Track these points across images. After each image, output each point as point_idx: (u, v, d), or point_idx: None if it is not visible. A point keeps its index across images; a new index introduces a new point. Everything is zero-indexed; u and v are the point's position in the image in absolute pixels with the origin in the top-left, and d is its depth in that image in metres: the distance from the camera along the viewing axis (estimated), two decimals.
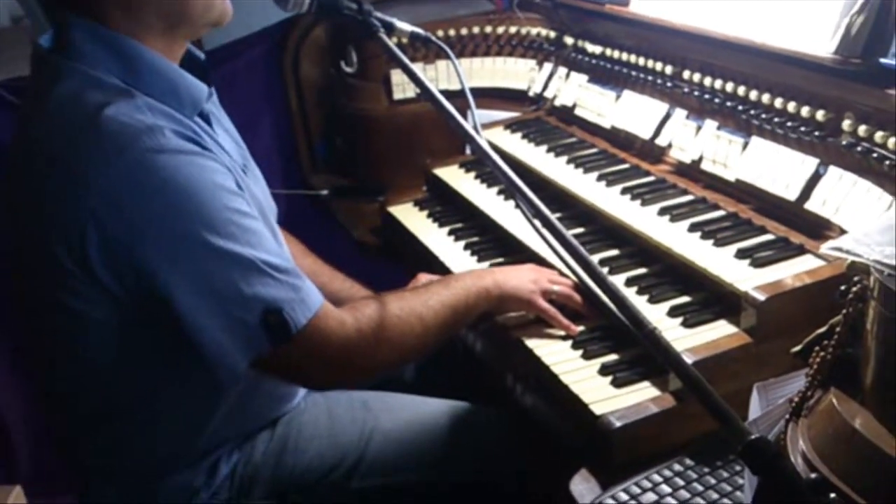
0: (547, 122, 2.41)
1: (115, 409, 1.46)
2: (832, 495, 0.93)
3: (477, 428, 1.70)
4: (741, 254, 1.63)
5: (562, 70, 2.44)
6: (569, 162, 2.14)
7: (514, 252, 1.95)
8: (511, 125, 2.42)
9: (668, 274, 1.74)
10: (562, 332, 1.67)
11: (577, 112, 2.33)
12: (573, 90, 2.37)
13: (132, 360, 1.41)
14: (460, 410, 1.72)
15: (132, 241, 1.27)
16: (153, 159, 1.26)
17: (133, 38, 1.35)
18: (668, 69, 2.07)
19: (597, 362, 1.58)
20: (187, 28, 1.42)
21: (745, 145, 1.83)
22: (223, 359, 1.34)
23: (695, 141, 1.96)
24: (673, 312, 1.62)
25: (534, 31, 2.54)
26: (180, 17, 1.39)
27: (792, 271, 1.55)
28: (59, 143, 1.29)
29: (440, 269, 1.96)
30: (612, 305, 1.12)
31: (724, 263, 1.62)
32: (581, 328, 1.69)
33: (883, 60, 1.57)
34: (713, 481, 1.36)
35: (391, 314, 1.49)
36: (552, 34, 2.50)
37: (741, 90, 1.85)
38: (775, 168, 1.75)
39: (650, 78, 2.12)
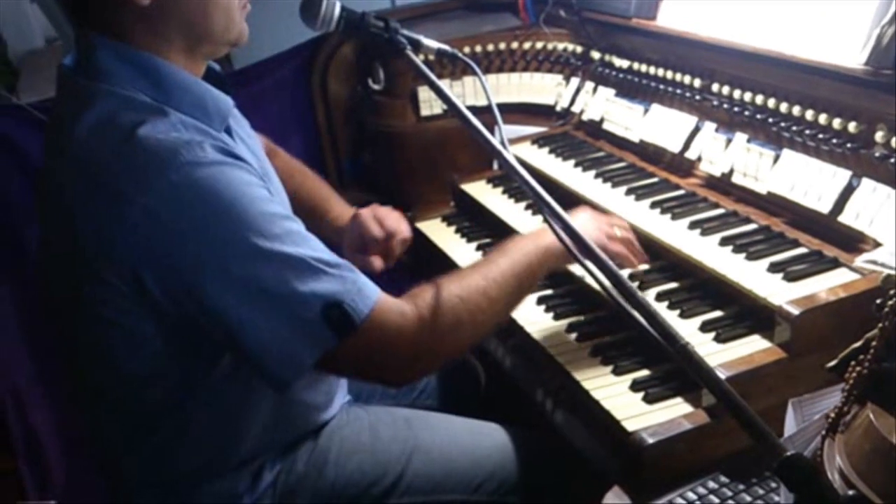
0: (574, 136, 2.41)
1: (151, 417, 1.47)
2: None
3: (517, 449, 1.69)
4: (774, 267, 1.62)
5: (589, 84, 2.44)
6: (597, 176, 2.13)
7: None
8: (538, 140, 2.42)
9: (699, 288, 1.73)
10: (589, 348, 1.67)
11: (605, 126, 2.33)
12: (601, 104, 2.36)
13: (168, 372, 1.42)
14: (502, 432, 1.72)
15: (181, 254, 1.28)
16: (193, 172, 1.27)
17: (157, 56, 1.37)
18: (697, 82, 2.06)
19: (628, 378, 1.57)
20: (208, 46, 1.43)
21: (777, 158, 1.82)
22: (289, 358, 1.33)
23: (725, 154, 1.95)
24: (705, 327, 1.61)
25: (560, 46, 2.55)
26: (202, 34, 1.40)
27: (826, 285, 1.53)
28: (98, 165, 1.30)
29: None
30: (643, 320, 1.11)
31: (756, 277, 1.61)
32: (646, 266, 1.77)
33: None
34: (748, 499, 1.34)
35: (451, 296, 1.44)
36: (579, 49, 2.50)
37: (771, 102, 1.84)
38: (807, 181, 1.73)
39: (678, 91, 2.11)
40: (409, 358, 1.43)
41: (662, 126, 2.13)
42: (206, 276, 1.29)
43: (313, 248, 1.35)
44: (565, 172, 2.20)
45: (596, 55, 2.41)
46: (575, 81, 2.50)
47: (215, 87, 1.45)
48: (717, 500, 1.34)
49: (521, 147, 2.39)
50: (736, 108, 1.93)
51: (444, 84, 1.50)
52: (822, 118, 1.71)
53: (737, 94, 1.93)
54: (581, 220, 1.70)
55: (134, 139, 1.28)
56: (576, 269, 1.72)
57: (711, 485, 1.37)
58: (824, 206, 1.68)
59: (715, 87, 1.99)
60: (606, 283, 1.24)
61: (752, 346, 1.53)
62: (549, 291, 1.89)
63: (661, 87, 2.17)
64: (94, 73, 1.36)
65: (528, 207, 2.16)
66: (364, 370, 1.46)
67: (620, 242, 1.72)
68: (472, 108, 1.46)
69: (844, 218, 1.65)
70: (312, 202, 2.00)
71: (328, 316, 1.31)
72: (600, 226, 1.72)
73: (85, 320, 1.41)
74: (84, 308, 1.39)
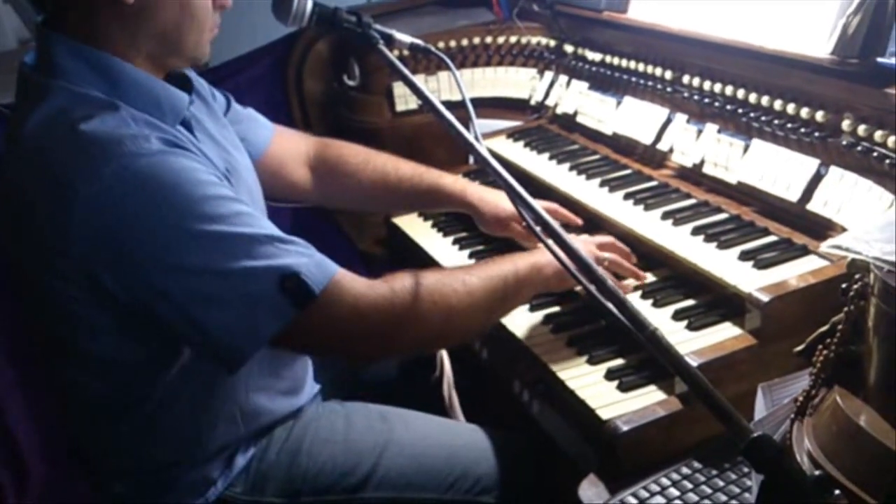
0: (549, 129, 2.42)
1: (118, 407, 1.47)
2: (836, 492, 0.93)
3: (492, 448, 1.69)
4: (745, 256, 1.64)
5: (562, 78, 2.46)
6: (571, 169, 2.15)
7: None
8: (513, 134, 2.43)
9: (672, 278, 1.75)
10: (564, 339, 1.68)
11: (579, 119, 2.34)
12: (574, 98, 2.38)
13: (128, 363, 1.43)
14: (477, 430, 1.73)
15: (127, 241, 1.28)
16: (136, 161, 1.27)
17: (118, 57, 1.37)
18: (668, 74, 2.08)
19: (602, 367, 1.59)
20: (174, 59, 1.45)
21: (746, 148, 1.84)
22: (245, 332, 1.32)
23: (696, 145, 1.97)
24: (678, 316, 1.63)
25: (534, 40, 2.56)
26: (172, 48, 1.42)
27: (796, 272, 1.56)
28: (46, 157, 1.31)
29: None
30: (613, 309, 1.13)
31: (727, 266, 1.63)
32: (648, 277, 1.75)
33: (880, 60, 1.57)
34: (721, 483, 1.36)
35: (430, 279, 1.45)
36: (552, 43, 2.51)
37: (741, 93, 1.86)
38: (777, 170, 1.75)
39: (650, 83, 2.13)
40: (375, 331, 1.41)
41: (635, 118, 2.15)
42: (154, 262, 1.29)
43: (265, 227, 1.35)
44: (540, 165, 2.21)
45: (569, 49, 2.43)
46: (549, 75, 2.51)
47: (177, 85, 1.45)
48: (690, 486, 1.36)
49: (496, 141, 2.40)
50: (706, 100, 1.95)
51: (418, 79, 1.50)
52: (791, 108, 1.73)
53: (707, 85, 1.95)
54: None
55: (80, 131, 1.28)
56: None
57: (685, 470, 1.39)
58: (793, 195, 1.71)
59: (685, 78, 2.01)
60: (579, 275, 1.25)
61: (724, 334, 1.55)
62: None
63: (633, 79, 2.18)
64: (50, 70, 1.36)
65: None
66: (327, 342, 1.44)
67: (610, 265, 1.72)
68: (447, 103, 1.47)
69: (813, 206, 1.67)
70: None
71: (285, 287, 1.30)
72: (588, 249, 1.71)
73: (45, 309, 1.41)
74: (43, 297, 1.39)
